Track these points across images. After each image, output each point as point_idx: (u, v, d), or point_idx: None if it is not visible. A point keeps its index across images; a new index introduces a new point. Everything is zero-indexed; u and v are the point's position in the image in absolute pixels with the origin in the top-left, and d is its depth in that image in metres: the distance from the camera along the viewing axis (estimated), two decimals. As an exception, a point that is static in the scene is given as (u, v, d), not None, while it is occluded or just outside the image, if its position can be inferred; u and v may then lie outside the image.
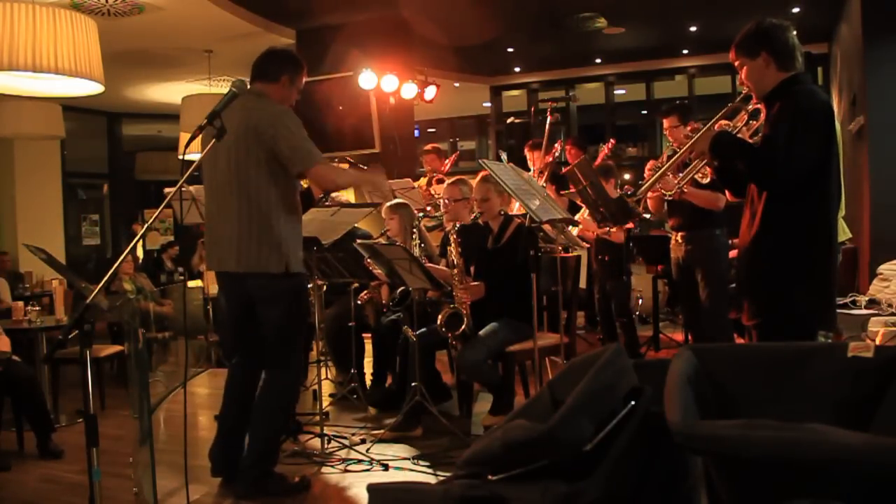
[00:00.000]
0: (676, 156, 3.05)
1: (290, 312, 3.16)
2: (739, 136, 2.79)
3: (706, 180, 3.81)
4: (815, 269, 2.54)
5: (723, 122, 2.83)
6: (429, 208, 5.76)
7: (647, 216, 5.90)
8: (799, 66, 2.61)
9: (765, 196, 2.58)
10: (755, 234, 2.60)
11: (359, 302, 4.70)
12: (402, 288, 4.15)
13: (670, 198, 3.96)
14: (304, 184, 5.13)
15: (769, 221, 2.56)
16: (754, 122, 2.98)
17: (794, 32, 2.61)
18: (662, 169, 3.14)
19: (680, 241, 4.44)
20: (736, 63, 2.67)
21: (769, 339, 2.56)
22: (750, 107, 2.87)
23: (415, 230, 4.36)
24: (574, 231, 5.42)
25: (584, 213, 5.32)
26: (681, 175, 3.43)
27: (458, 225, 4.09)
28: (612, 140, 7.00)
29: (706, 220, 4.25)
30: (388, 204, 4.79)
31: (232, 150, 3.01)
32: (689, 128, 3.36)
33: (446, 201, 4.33)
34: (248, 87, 3.18)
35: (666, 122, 4.44)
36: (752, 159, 2.56)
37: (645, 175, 3.47)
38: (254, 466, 3.14)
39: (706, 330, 4.43)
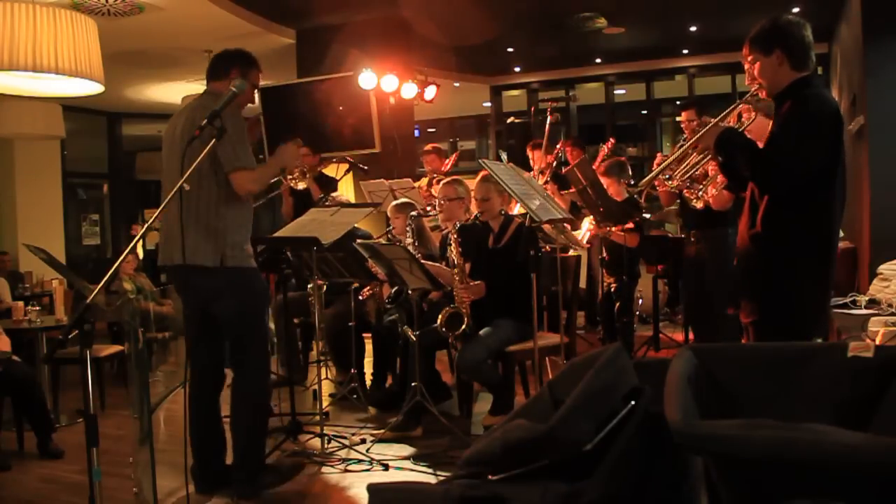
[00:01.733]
0: (681, 149, 3.04)
1: (238, 308, 3.08)
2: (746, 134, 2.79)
3: (686, 177, 3.80)
4: (812, 272, 2.54)
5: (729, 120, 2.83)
6: (428, 208, 5.77)
7: (648, 216, 5.91)
8: (812, 65, 2.59)
9: (766, 197, 2.57)
10: (755, 233, 2.59)
11: (361, 297, 4.70)
12: (396, 287, 4.15)
13: (674, 190, 3.98)
14: (303, 184, 5.16)
15: (770, 223, 2.55)
16: (743, 120, 2.99)
17: (810, 30, 2.58)
18: (667, 161, 3.12)
19: (693, 239, 4.49)
20: (749, 58, 2.64)
21: (764, 338, 2.57)
22: (740, 109, 2.87)
23: (408, 230, 4.36)
24: (586, 232, 5.43)
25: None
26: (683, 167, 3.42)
27: (458, 224, 4.09)
28: (611, 139, 7.00)
29: (718, 219, 4.28)
30: (394, 203, 4.80)
31: (178, 147, 2.99)
32: (695, 123, 3.36)
33: (442, 201, 4.32)
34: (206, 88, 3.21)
35: (683, 116, 4.49)
36: (755, 160, 2.55)
37: (654, 166, 3.46)
38: (243, 468, 3.13)
39: (713, 327, 4.46)
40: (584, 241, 5.48)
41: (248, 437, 3.15)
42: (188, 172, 2.49)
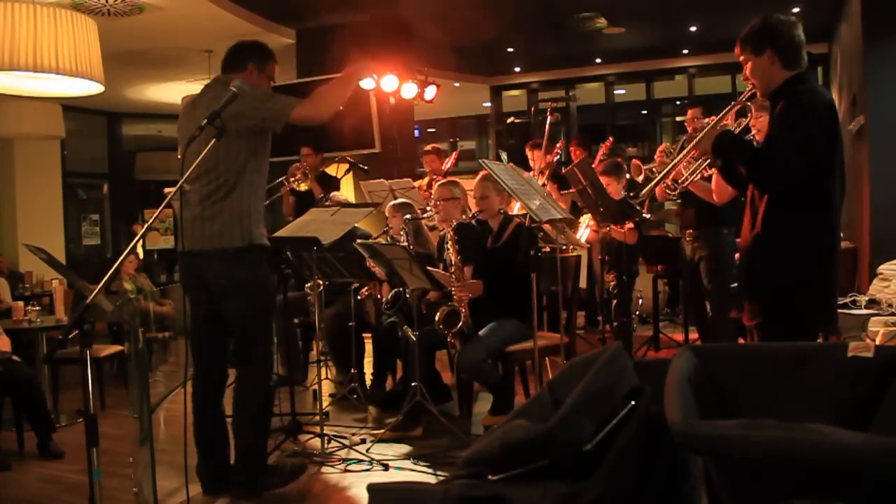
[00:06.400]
0: (681, 155, 3.03)
1: (251, 302, 3.08)
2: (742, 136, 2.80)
3: (688, 182, 3.81)
4: (816, 271, 2.52)
5: (725, 121, 2.83)
6: (428, 208, 5.77)
7: (648, 216, 5.90)
8: (804, 63, 2.58)
9: (766, 197, 2.57)
10: (756, 234, 2.58)
11: (359, 297, 4.70)
12: (394, 290, 4.14)
13: (671, 194, 3.99)
14: (304, 186, 5.16)
15: (770, 222, 2.54)
16: (742, 119, 2.98)
17: (801, 29, 2.58)
18: (666, 169, 3.12)
19: (689, 238, 4.50)
20: (741, 58, 2.64)
21: (769, 340, 2.55)
22: (740, 106, 2.87)
23: (402, 233, 4.35)
24: (585, 231, 5.43)
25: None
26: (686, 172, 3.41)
27: (455, 223, 4.08)
28: (610, 138, 7.00)
29: (715, 217, 4.29)
30: (392, 203, 4.79)
31: (202, 139, 2.97)
32: (690, 128, 3.36)
33: (437, 202, 4.32)
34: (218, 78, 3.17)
35: (689, 114, 4.52)
36: (751, 160, 2.55)
37: (655, 158, 3.44)
38: (244, 468, 3.13)
39: (709, 328, 4.47)
40: (584, 242, 5.48)
41: (249, 438, 3.14)
42: (190, 171, 2.49)
